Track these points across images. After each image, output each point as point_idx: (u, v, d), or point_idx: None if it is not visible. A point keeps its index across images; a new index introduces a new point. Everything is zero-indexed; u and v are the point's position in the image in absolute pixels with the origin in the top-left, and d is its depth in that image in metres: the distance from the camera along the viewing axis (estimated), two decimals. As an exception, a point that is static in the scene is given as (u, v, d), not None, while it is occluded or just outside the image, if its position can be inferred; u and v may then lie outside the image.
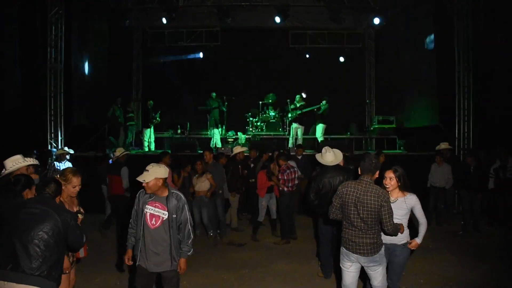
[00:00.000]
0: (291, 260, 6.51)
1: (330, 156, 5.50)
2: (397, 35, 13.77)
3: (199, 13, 13.67)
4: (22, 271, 2.97)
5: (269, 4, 12.19)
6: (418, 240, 4.06)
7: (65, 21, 11.01)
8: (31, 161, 4.17)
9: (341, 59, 15.55)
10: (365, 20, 14.35)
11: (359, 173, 3.84)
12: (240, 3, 12.04)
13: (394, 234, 3.77)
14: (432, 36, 11.80)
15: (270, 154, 8.78)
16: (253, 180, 8.53)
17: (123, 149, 8.18)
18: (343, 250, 3.87)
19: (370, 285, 3.95)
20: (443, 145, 8.83)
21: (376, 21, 12.75)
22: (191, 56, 15.48)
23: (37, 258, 3.00)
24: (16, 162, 4.04)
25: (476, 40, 10.59)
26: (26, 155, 4.35)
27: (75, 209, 3.93)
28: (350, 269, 3.87)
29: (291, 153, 9.79)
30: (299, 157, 9.38)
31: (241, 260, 6.59)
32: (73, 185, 3.87)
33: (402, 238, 3.99)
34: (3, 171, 3.98)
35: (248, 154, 9.56)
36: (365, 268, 3.83)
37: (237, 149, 8.45)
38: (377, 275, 3.78)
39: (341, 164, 5.73)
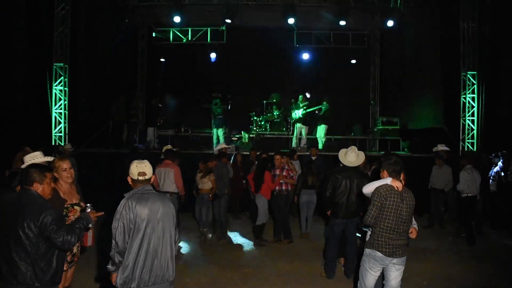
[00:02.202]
0: (294, 260, 6.52)
1: (353, 157, 5.52)
2: (402, 36, 13.73)
3: (205, 12, 13.67)
4: (5, 280, 2.92)
5: (275, 4, 12.17)
6: (415, 226, 4.02)
7: (72, 17, 11.05)
8: (49, 158, 4.16)
9: (346, 59, 15.50)
10: (371, 21, 14.32)
11: (387, 175, 3.85)
12: (246, 2, 12.03)
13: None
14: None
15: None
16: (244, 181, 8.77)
17: (170, 146, 8.27)
18: (377, 254, 3.80)
19: (383, 284, 3.96)
20: (440, 147, 8.79)
21: (390, 23, 12.26)
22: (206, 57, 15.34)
23: (16, 266, 2.92)
24: (34, 158, 4.01)
25: (481, 41, 10.55)
26: (34, 149, 4.34)
27: (74, 200, 3.86)
28: (377, 273, 3.90)
29: (298, 153, 9.70)
30: (314, 158, 9.22)
31: (244, 259, 6.61)
32: (62, 168, 3.79)
33: None
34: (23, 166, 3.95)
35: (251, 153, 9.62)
36: (390, 267, 3.82)
37: (220, 146, 8.49)
38: (399, 274, 3.85)
39: (361, 166, 5.77)
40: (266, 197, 7.32)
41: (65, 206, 3.76)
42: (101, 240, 4.86)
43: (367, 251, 3.91)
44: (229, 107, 13.06)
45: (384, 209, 3.73)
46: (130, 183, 3.33)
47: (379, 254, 3.78)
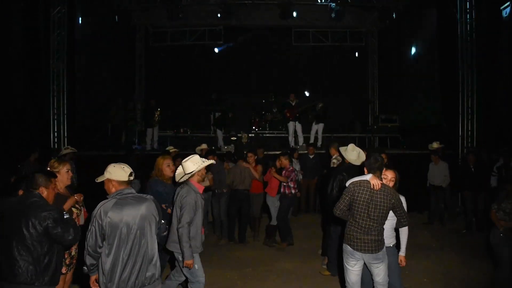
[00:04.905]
0: (294, 259, 6.51)
1: (354, 155, 5.43)
2: (400, 33, 13.72)
3: (202, 12, 13.67)
4: (5, 279, 2.95)
5: (272, 3, 12.16)
6: (403, 254, 4.13)
7: (68, 20, 11.01)
8: (209, 162, 4.25)
9: (344, 57, 15.47)
10: (368, 19, 14.31)
11: (366, 172, 3.86)
12: (243, 2, 12.02)
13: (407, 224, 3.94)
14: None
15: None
16: None
17: (172, 147, 8.37)
18: (347, 248, 3.85)
19: (373, 280, 3.94)
20: (436, 145, 8.86)
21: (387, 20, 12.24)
22: (221, 48, 15.24)
23: (17, 265, 2.96)
24: (195, 162, 4.13)
25: (479, 37, 10.51)
26: (31, 151, 4.35)
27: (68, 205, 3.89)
28: (354, 268, 3.88)
29: (297, 152, 9.64)
30: (311, 156, 9.19)
31: (244, 258, 6.60)
32: (67, 169, 3.94)
33: (391, 240, 4.08)
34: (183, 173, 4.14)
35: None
36: (368, 265, 3.84)
37: (201, 147, 8.42)
38: (380, 271, 3.81)
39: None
40: (272, 194, 7.24)
41: None
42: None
43: (343, 245, 3.95)
44: (225, 108, 13.03)
45: (354, 204, 3.76)
46: (113, 186, 3.25)
47: (349, 248, 3.82)
